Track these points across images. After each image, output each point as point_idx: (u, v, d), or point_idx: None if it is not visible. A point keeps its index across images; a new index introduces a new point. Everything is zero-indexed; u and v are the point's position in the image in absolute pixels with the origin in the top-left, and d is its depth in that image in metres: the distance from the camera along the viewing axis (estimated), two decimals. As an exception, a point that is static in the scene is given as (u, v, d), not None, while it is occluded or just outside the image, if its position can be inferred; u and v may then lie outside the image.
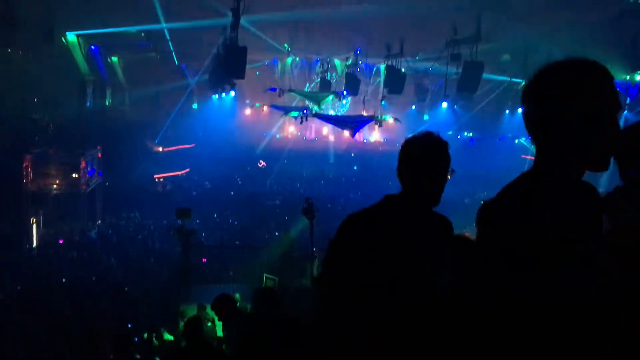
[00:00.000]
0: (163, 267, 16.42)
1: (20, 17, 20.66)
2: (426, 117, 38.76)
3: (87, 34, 28.35)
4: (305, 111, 31.41)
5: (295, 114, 29.17)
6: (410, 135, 2.64)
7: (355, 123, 24.64)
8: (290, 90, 31.45)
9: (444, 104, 28.47)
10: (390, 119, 28.50)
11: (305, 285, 11.69)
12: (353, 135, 25.19)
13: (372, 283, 2.35)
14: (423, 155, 2.58)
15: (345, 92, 30.50)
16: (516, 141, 36.71)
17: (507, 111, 37.99)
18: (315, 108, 30.52)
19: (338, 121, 26.52)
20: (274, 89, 31.63)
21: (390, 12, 26.30)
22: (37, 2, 21.60)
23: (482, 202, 2.04)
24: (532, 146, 1.91)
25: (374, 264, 2.35)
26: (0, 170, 19.25)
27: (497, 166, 34.75)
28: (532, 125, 1.88)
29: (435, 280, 2.39)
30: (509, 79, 33.63)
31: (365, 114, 32.47)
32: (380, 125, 27.44)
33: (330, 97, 30.62)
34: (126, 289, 14.41)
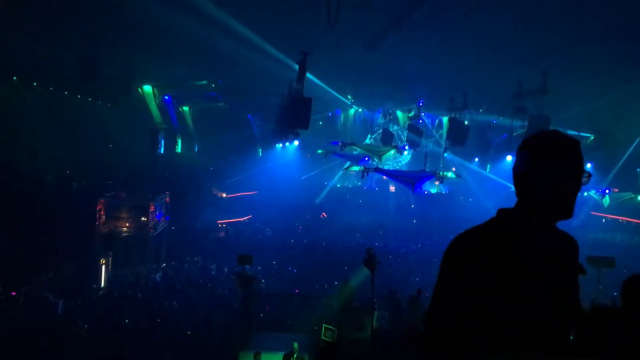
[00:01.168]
0: (223, 313, 16.60)
1: (101, 69, 22.12)
2: (488, 169, 38.19)
3: (161, 85, 29.99)
4: (366, 159, 31.63)
5: (356, 168, 29.40)
6: (531, 135, 2.29)
7: (417, 178, 24.52)
8: (351, 144, 31.80)
9: (509, 157, 27.97)
10: (451, 174, 28.23)
11: (364, 337, 11.55)
12: (414, 190, 25.01)
13: (489, 315, 2.05)
14: (549, 158, 2.18)
15: (406, 146, 30.58)
16: (585, 194, 35.55)
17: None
18: (377, 161, 30.70)
19: (399, 176, 26.48)
20: (336, 142, 32.10)
21: (454, 66, 26.51)
22: (118, 56, 23.08)
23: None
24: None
25: (492, 293, 2.05)
26: (75, 212, 20.31)
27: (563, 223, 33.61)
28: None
29: (561, 312, 2.13)
30: (577, 132, 32.88)
31: (427, 166, 32.38)
32: (441, 182, 27.15)
33: (392, 151, 30.72)
34: (188, 332, 14.64)
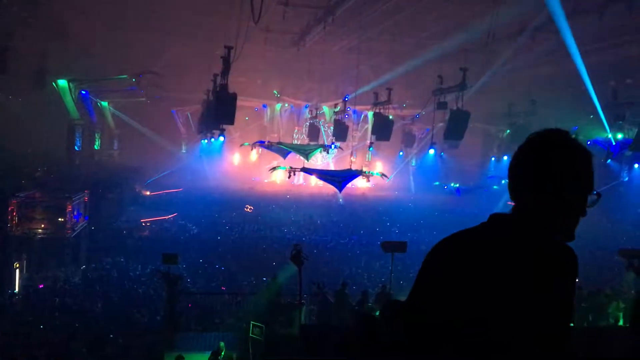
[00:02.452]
0: (147, 314, 16.14)
1: (13, 64, 20.87)
2: (413, 162, 39.31)
3: (78, 79, 28.66)
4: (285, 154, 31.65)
5: (283, 168, 29.35)
6: (537, 132, 2.02)
7: (342, 177, 24.79)
8: (278, 143, 31.74)
9: (431, 151, 28.82)
10: (376, 173, 28.75)
11: (292, 333, 11.53)
12: (340, 189, 25.24)
13: (474, 323, 1.88)
14: (557, 163, 1.93)
15: (333, 145, 30.89)
16: (503, 181, 37.34)
17: (493, 158, 38.67)
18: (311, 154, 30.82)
19: (327, 175, 26.65)
20: (262, 142, 31.93)
21: (379, 63, 27.04)
22: (31, 50, 21.87)
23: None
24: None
25: (478, 301, 1.87)
26: (-15, 214, 19.11)
27: (483, 214, 35.13)
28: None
29: (553, 331, 1.93)
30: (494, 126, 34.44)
31: (352, 161, 32.82)
32: (367, 180, 27.52)
33: (319, 149, 30.92)
34: (111, 335, 14.12)
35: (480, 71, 24.56)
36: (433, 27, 23.48)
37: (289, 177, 27.78)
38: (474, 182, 37.81)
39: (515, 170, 2.01)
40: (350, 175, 25.54)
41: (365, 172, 25.80)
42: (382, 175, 28.75)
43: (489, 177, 38.41)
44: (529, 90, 29.28)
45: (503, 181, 38.00)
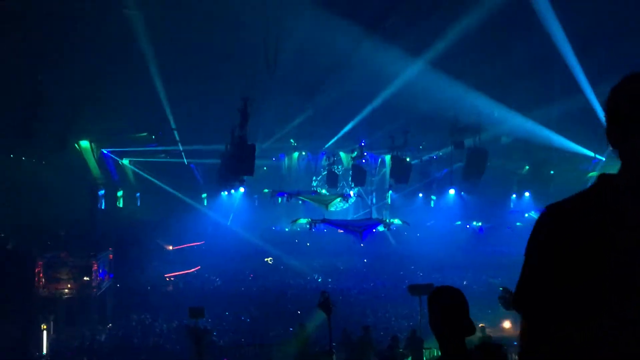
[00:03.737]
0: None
1: (36, 127, 21.46)
2: (432, 204, 38.91)
3: (99, 139, 29.34)
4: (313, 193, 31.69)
5: (304, 220, 29.49)
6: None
7: (364, 227, 24.74)
8: (298, 195, 32.00)
9: (451, 191, 28.69)
10: (397, 221, 28.71)
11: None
12: (362, 239, 25.07)
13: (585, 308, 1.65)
14: None
15: (352, 192, 31.01)
16: (526, 215, 36.94)
17: (514, 195, 38.35)
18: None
19: (347, 226, 26.62)
20: (282, 194, 32.18)
21: (394, 109, 27.28)
22: (53, 113, 22.50)
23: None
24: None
25: (590, 279, 1.64)
26: (12, 275, 19.29)
27: (507, 253, 34.62)
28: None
29: None
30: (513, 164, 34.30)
31: (372, 205, 32.77)
32: (389, 229, 27.31)
33: (338, 199, 30.97)
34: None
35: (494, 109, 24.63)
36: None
37: (310, 228, 27.69)
38: (495, 219, 37.38)
39: (623, 108, 1.70)
40: (371, 224, 25.48)
41: (386, 220, 25.76)
42: (404, 222, 28.68)
43: (511, 211, 37.96)
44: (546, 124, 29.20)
45: (526, 214, 37.59)
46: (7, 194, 24.04)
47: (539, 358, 1.77)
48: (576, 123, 26.64)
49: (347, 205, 37.76)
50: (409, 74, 20.95)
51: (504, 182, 36.61)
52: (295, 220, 30.29)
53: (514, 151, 32.60)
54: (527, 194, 37.34)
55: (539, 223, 1.80)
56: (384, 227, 25.79)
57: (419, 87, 23.57)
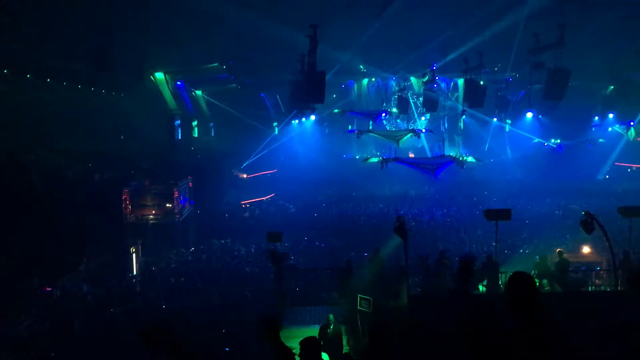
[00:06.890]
0: (256, 291, 16.74)
1: (113, 59, 22.14)
2: (507, 127, 37.48)
3: (173, 71, 29.97)
4: (384, 114, 31.40)
5: (375, 159, 29.34)
6: None
7: (436, 165, 24.28)
8: (369, 131, 31.79)
9: (529, 114, 27.55)
10: (471, 159, 27.98)
11: (400, 304, 11.53)
12: (435, 177, 24.68)
13: None
14: None
15: (424, 129, 30.48)
16: (609, 129, 35.20)
17: (597, 118, 36.37)
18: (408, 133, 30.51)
19: (420, 164, 26.18)
20: (352, 131, 32.07)
21: (466, 25, 26.01)
22: (129, 45, 23.04)
23: None
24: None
25: None
26: (101, 203, 20.57)
27: (587, 174, 33.15)
28: None
29: None
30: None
31: (445, 131, 32.02)
32: (461, 167, 26.65)
33: (409, 135, 30.37)
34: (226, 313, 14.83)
35: (579, 24, 22.96)
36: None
37: (381, 167, 27.46)
38: (575, 138, 35.50)
39: None
40: (444, 162, 25.05)
41: (459, 158, 25.23)
42: (477, 159, 28.02)
43: (594, 125, 36.06)
44: (632, 42, 27.04)
45: (609, 129, 35.58)
46: (90, 126, 25.29)
47: None
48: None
49: (421, 125, 37.21)
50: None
51: (586, 102, 34.62)
52: (367, 159, 30.31)
53: (598, 70, 30.59)
54: (610, 115, 35.31)
55: None
56: (457, 164, 25.24)
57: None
